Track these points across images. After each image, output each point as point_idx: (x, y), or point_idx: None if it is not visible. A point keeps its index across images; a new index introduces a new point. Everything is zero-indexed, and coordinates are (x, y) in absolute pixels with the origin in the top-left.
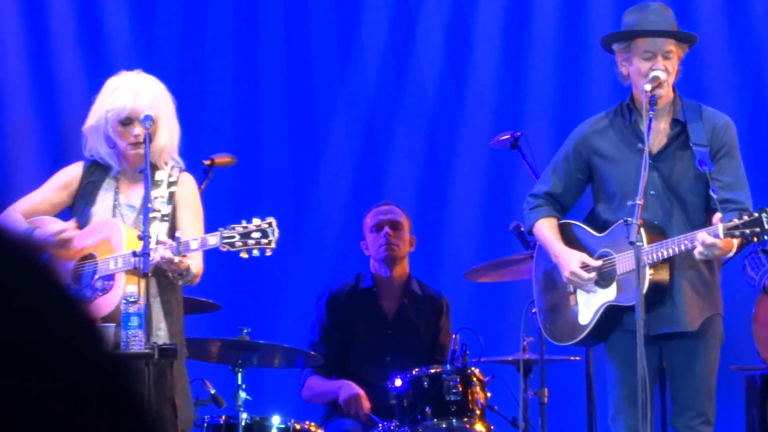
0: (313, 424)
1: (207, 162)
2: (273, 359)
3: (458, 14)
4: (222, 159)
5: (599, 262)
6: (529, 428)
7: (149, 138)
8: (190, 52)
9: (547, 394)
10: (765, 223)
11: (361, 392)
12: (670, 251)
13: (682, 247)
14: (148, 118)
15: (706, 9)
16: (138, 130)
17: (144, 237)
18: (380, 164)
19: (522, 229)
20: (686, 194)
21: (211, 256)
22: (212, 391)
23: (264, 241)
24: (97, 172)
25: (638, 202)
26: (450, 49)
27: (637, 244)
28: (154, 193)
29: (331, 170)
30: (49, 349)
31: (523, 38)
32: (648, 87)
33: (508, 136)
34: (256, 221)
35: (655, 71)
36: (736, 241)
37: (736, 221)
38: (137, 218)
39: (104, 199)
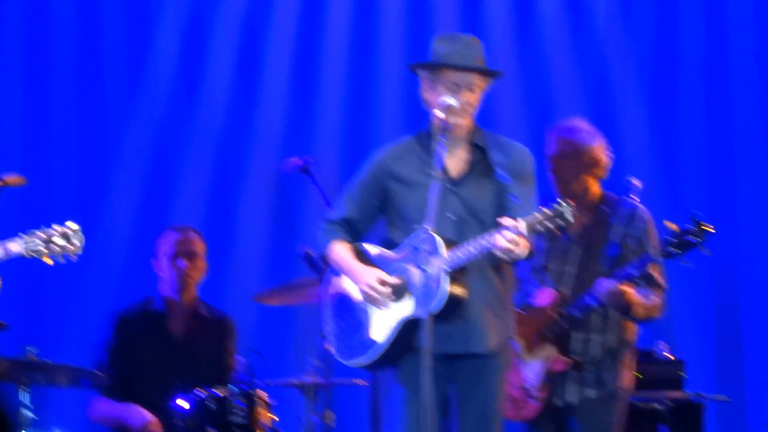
0: None
1: None
2: (59, 378)
3: (250, 35)
4: (12, 179)
5: (396, 280)
6: None
7: None
8: None
9: (333, 418)
10: (567, 214)
11: (154, 419)
12: (471, 249)
13: (480, 247)
14: None
15: (499, 38)
16: None
17: None
18: (170, 184)
19: (311, 254)
20: (488, 220)
21: None
22: None
23: (70, 247)
24: None
25: (426, 227)
26: (241, 69)
27: (436, 253)
28: None
29: (120, 190)
30: None
31: (314, 64)
32: (441, 114)
33: (299, 159)
34: (57, 227)
35: (448, 98)
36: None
37: (537, 215)
38: None
39: None
